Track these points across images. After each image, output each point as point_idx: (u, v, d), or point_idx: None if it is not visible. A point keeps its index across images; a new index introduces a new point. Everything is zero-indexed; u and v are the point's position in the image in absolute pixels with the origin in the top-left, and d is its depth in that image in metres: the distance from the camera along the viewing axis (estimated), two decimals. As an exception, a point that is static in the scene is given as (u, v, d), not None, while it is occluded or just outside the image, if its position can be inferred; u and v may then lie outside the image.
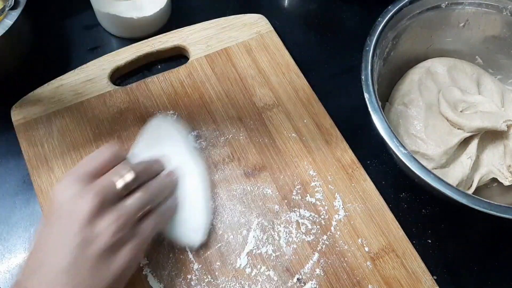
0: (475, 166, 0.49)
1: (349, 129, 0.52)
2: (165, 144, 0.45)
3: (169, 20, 0.59)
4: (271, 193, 0.47)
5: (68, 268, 0.33)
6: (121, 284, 0.36)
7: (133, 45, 0.54)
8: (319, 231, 0.45)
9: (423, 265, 0.44)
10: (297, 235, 0.45)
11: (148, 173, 0.40)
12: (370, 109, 0.42)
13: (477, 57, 0.55)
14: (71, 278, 0.33)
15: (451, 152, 0.48)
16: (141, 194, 0.38)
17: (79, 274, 0.33)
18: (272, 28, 0.57)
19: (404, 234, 0.46)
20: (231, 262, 0.43)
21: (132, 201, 0.37)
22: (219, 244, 0.44)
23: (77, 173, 0.36)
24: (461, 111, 0.50)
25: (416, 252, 0.45)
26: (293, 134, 0.50)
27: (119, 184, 0.36)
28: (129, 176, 0.37)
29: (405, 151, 0.40)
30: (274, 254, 0.44)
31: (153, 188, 0.39)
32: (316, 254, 0.44)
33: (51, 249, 0.34)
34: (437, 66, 0.53)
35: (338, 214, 0.46)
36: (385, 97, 0.53)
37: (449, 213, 0.49)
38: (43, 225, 0.36)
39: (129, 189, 0.37)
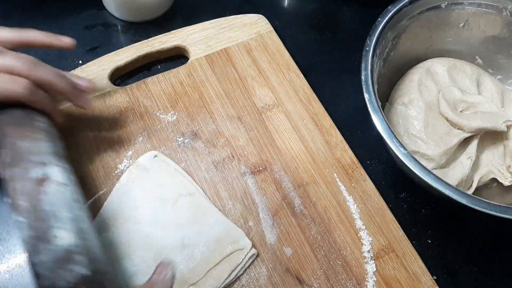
0: (475, 166, 0.49)
1: (349, 129, 0.52)
2: None
3: (170, 14, 0.60)
4: (271, 193, 0.47)
5: None
6: None
7: (133, 45, 0.54)
8: (319, 231, 0.45)
9: (423, 265, 0.44)
10: (297, 235, 0.45)
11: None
12: (370, 109, 0.42)
13: (477, 57, 0.55)
14: None
15: (451, 152, 0.48)
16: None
17: None
18: (272, 28, 0.57)
19: (404, 234, 0.46)
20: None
21: None
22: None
23: None
24: (461, 111, 0.50)
25: (416, 252, 0.45)
26: (293, 134, 0.50)
27: None
28: None
29: (405, 151, 0.40)
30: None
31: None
32: (316, 254, 0.44)
33: None
34: (437, 66, 0.53)
35: (338, 214, 0.46)
36: (385, 97, 0.53)
37: (449, 213, 0.49)
38: None
39: None
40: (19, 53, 0.40)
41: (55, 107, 0.43)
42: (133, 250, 0.42)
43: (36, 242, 0.33)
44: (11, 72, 0.39)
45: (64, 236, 0.34)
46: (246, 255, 0.43)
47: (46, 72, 0.40)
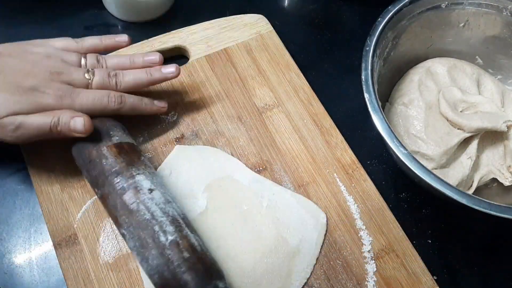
0: (475, 166, 0.49)
1: (349, 129, 0.52)
2: None
3: (170, 14, 0.60)
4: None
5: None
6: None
7: (133, 45, 0.54)
8: (319, 231, 0.45)
9: (423, 265, 0.44)
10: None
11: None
12: (370, 109, 0.42)
13: (477, 57, 0.55)
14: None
15: (451, 152, 0.48)
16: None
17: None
18: (272, 28, 0.57)
19: (404, 234, 0.46)
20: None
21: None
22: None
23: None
24: (461, 111, 0.50)
25: (416, 252, 0.45)
26: (293, 134, 0.50)
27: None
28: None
29: (405, 151, 0.40)
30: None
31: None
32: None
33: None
34: (437, 66, 0.53)
35: (338, 214, 0.46)
36: (385, 97, 0.53)
37: (449, 213, 0.49)
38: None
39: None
40: (106, 70, 0.45)
41: (153, 104, 0.47)
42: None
43: (144, 250, 0.37)
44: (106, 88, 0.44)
45: (168, 238, 0.37)
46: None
47: (129, 80, 0.46)
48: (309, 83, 0.54)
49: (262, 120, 0.51)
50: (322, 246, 0.44)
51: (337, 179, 0.48)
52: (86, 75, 0.43)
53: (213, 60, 0.54)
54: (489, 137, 0.50)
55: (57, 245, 0.43)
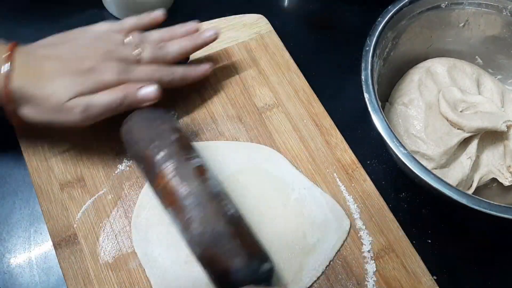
0: (475, 166, 0.49)
1: (349, 129, 0.52)
2: None
3: (170, 14, 0.59)
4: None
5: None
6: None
7: (133, 45, 0.54)
8: (319, 231, 0.45)
9: (423, 265, 0.44)
10: (297, 235, 0.45)
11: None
12: (370, 109, 0.42)
13: (477, 57, 0.55)
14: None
15: (451, 152, 0.48)
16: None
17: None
18: (272, 28, 0.57)
19: (404, 234, 0.46)
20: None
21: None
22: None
23: None
24: (461, 111, 0.50)
25: (416, 252, 0.45)
26: (293, 134, 0.50)
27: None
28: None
29: (405, 151, 0.40)
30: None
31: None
32: (316, 254, 0.44)
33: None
34: (437, 66, 0.53)
35: (338, 214, 0.46)
36: (385, 97, 0.53)
37: (449, 213, 0.49)
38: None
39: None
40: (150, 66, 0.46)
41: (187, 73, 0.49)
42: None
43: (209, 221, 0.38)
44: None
45: (231, 210, 0.39)
46: None
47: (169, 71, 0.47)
48: (309, 83, 0.53)
49: (262, 120, 0.51)
50: (338, 251, 0.44)
51: (337, 179, 0.48)
52: (135, 51, 0.45)
53: (213, 60, 0.54)
54: (489, 137, 0.50)
55: (57, 245, 0.43)
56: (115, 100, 0.42)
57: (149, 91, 0.43)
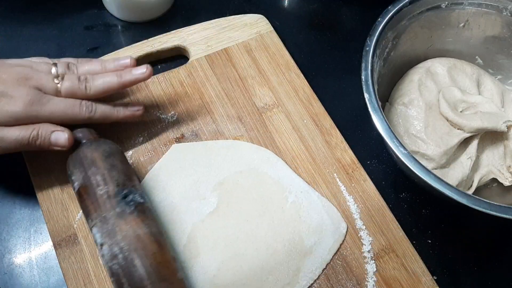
0: (475, 166, 0.49)
1: (349, 129, 0.52)
2: None
3: (170, 14, 0.60)
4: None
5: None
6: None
7: (133, 45, 0.54)
8: (319, 231, 0.45)
9: (423, 265, 0.44)
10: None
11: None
12: (370, 109, 0.42)
13: (477, 57, 0.55)
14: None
15: (451, 152, 0.48)
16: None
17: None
18: (272, 28, 0.57)
19: (404, 234, 0.46)
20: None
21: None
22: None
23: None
24: (461, 111, 0.50)
25: (416, 252, 0.45)
26: (293, 134, 0.50)
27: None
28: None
29: (405, 151, 0.40)
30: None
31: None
32: (316, 254, 0.44)
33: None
34: (437, 66, 0.53)
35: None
36: (385, 97, 0.53)
37: (449, 213, 0.49)
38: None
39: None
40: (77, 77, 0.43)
41: (127, 110, 0.46)
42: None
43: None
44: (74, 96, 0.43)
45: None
46: None
47: (100, 85, 0.44)
48: (309, 83, 0.53)
49: (262, 120, 0.51)
50: (335, 253, 0.44)
51: (337, 179, 0.48)
52: (55, 80, 0.42)
53: (213, 60, 0.54)
54: (489, 137, 0.50)
55: (57, 245, 0.43)
56: (25, 139, 0.40)
57: (60, 138, 0.41)
